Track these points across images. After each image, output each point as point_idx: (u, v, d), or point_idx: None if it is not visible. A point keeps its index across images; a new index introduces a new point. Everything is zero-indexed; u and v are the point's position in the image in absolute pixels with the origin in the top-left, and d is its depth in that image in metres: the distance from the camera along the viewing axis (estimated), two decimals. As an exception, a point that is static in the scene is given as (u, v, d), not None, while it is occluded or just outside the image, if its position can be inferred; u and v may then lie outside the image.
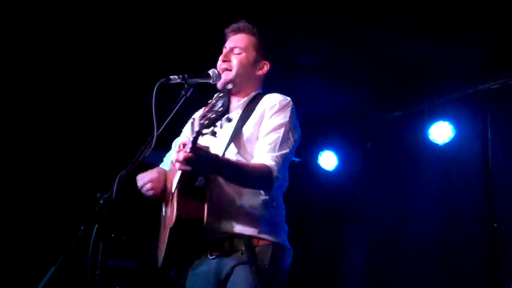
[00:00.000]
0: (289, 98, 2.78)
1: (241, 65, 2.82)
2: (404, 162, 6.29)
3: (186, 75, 2.50)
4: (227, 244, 2.59)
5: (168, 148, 6.52)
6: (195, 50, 5.06)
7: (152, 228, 6.06)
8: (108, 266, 5.22)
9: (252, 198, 2.62)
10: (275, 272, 2.59)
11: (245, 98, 2.83)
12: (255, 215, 2.62)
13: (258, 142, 2.68)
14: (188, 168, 2.30)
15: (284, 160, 2.64)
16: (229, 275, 2.57)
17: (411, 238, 5.96)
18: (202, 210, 2.47)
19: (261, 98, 2.80)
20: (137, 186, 2.77)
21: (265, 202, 2.64)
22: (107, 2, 4.56)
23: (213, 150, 2.50)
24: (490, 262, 5.33)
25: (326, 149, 6.93)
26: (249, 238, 2.58)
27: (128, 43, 5.16)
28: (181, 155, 2.27)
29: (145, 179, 2.75)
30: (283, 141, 2.66)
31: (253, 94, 2.85)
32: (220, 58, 2.85)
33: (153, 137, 2.34)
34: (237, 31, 2.90)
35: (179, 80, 2.48)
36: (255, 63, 2.87)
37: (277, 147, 2.64)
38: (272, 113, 2.72)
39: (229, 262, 2.57)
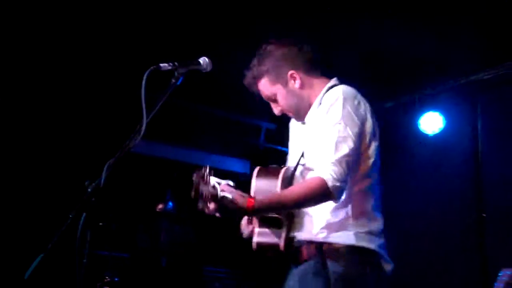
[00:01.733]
0: (339, 92, 2.64)
1: (285, 102, 2.79)
2: (394, 152, 6.30)
3: (176, 63, 2.47)
4: (303, 253, 2.61)
5: (156, 137, 6.51)
6: (185, 39, 5.04)
7: (143, 218, 6.10)
8: (98, 256, 5.26)
9: (324, 206, 2.59)
10: (349, 277, 2.52)
11: (311, 109, 2.76)
12: (324, 221, 2.59)
13: (318, 150, 2.59)
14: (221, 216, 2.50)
15: (345, 162, 2.49)
16: (303, 283, 2.60)
17: (400, 228, 5.98)
18: (279, 235, 2.60)
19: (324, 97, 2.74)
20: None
21: (334, 205, 2.58)
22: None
23: (292, 161, 2.76)
24: (479, 252, 5.38)
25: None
26: (320, 244, 2.58)
27: (117, 30, 5.11)
28: (206, 210, 2.45)
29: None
30: (340, 141, 2.52)
31: (320, 95, 2.74)
32: (276, 113, 2.88)
33: (142, 125, 2.32)
34: (252, 87, 2.85)
35: (169, 68, 2.44)
36: (288, 87, 2.78)
37: (333, 150, 2.50)
38: (325, 113, 2.62)
39: (305, 271, 2.60)
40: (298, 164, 2.70)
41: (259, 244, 2.62)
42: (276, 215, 2.60)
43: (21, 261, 2.59)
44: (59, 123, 5.84)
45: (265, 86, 2.81)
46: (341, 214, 2.58)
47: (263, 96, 2.85)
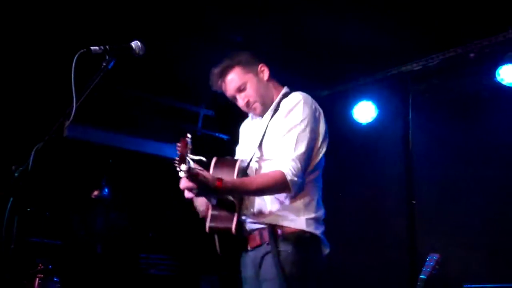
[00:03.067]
0: (301, 96, 2.91)
1: (256, 92, 2.98)
2: (329, 140, 6.40)
3: (107, 47, 2.45)
4: (258, 236, 2.84)
5: (92, 122, 6.37)
6: (122, 23, 4.96)
7: (77, 205, 6.00)
8: (30, 243, 5.15)
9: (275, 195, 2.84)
10: (297, 258, 2.75)
11: (272, 106, 2.99)
12: (278, 207, 2.83)
13: (276, 147, 2.84)
14: (191, 195, 2.66)
15: (302, 160, 2.77)
16: (260, 265, 2.81)
17: (334, 214, 6.10)
18: (231, 220, 2.77)
19: (283, 99, 2.97)
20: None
21: (289, 197, 2.83)
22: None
23: (245, 158, 2.89)
24: (409, 238, 5.54)
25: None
26: (273, 227, 2.78)
27: (49, 11, 4.95)
28: (181, 185, 2.58)
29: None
30: (299, 141, 2.79)
31: (279, 96, 3.00)
32: (241, 105, 3.01)
33: (72, 109, 2.29)
34: (222, 75, 2.98)
35: (100, 51, 2.42)
36: (258, 78, 3.00)
37: (292, 148, 2.77)
38: (284, 115, 2.87)
39: (259, 253, 2.82)
40: (252, 158, 2.90)
41: (211, 228, 2.78)
42: (232, 199, 2.79)
43: None
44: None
45: (237, 76, 2.97)
46: (293, 201, 2.84)
47: (231, 88, 2.98)
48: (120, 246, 6.14)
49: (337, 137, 6.26)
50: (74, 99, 2.30)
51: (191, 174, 2.48)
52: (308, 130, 2.83)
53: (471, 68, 5.36)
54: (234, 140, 3.27)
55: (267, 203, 2.84)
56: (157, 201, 6.41)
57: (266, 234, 2.80)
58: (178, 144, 2.52)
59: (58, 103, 2.58)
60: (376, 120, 5.95)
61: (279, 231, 2.78)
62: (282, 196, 2.81)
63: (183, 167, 2.42)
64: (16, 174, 2.20)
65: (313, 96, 3.01)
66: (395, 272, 5.47)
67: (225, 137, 6.84)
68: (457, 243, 5.11)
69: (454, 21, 4.89)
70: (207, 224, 2.78)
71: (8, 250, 2.16)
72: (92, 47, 2.40)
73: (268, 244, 2.77)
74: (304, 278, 2.74)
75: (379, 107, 5.92)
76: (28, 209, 2.12)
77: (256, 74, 3.00)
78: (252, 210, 2.86)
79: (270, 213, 2.83)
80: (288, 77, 6.04)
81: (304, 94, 2.94)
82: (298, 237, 2.78)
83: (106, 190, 5.93)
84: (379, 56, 5.50)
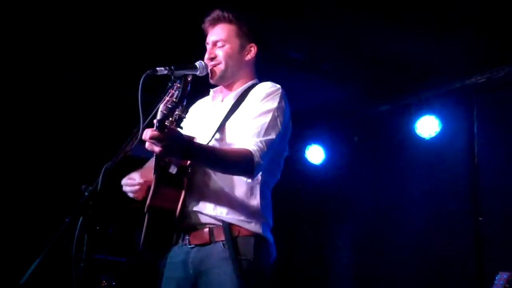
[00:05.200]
0: (279, 86, 2.73)
1: (228, 57, 2.77)
2: (390, 156, 6.31)
3: (172, 67, 2.47)
4: (207, 233, 2.56)
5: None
6: (182, 42, 5.03)
7: (141, 221, 6.08)
8: (95, 260, 5.25)
9: (234, 187, 2.60)
10: (259, 266, 2.53)
11: (239, 88, 2.80)
12: (236, 204, 2.58)
13: (243, 127, 2.61)
14: (157, 148, 2.24)
15: (269, 146, 2.55)
16: (209, 268, 2.52)
17: (397, 233, 5.99)
18: (177, 200, 2.46)
19: (254, 87, 2.78)
20: (123, 178, 2.75)
21: (248, 191, 2.61)
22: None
23: (199, 139, 2.52)
24: (475, 256, 5.37)
25: (314, 143, 6.94)
26: (229, 226, 2.54)
27: (114, 34, 5.11)
28: (148, 133, 2.21)
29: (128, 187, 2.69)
30: (270, 126, 2.59)
31: (248, 84, 2.81)
32: (206, 56, 2.78)
33: (139, 129, 2.32)
34: (214, 22, 2.82)
35: (165, 72, 2.45)
36: (241, 50, 2.81)
37: (262, 132, 2.56)
38: (260, 99, 2.67)
39: (209, 254, 2.53)
40: (212, 138, 2.64)
41: (151, 207, 2.47)
42: (181, 176, 2.50)
43: (17, 266, 2.59)
44: (57, 127, 5.84)
45: (225, 30, 2.79)
46: (252, 202, 2.61)
47: (212, 36, 2.79)
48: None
49: (399, 152, 6.30)
50: (141, 119, 2.33)
51: (167, 126, 2.17)
52: (279, 121, 2.62)
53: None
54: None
55: (219, 195, 2.57)
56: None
57: (219, 233, 2.53)
58: (177, 84, 2.33)
59: (126, 123, 2.61)
60: (440, 135, 5.82)
61: (235, 233, 2.53)
62: (240, 189, 2.57)
63: (178, 111, 2.17)
64: (86, 194, 2.24)
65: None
66: (462, 292, 5.32)
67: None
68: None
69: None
70: (148, 201, 2.46)
71: (78, 269, 2.19)
72: (158, 68, 2.44)
73: (223, 246, 2.50)
74: None
75: (442, 121, 5.79)
76: (97, 228, 2.14)
77: (242, 46, 2.80)
78: (205, 197, 2.57)
79: (227, 209, 2.56)
80: (349, 91, 6.07)
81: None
82: (257, 242, 2.55)
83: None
84: (442, 69, 5.40)
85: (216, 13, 2.82)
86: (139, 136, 2.31)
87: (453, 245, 5.60)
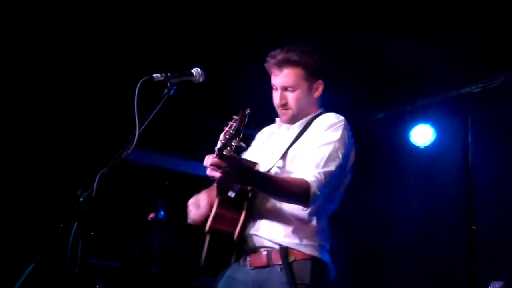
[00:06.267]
0: (342, 117, 2.76)
1: (299, 101, 2.78)
2: (384, 164, 6.32)
3: (169, 74, 2.48)
4: (265, 256, 2.62)
5: (148, 146, 6.49)
6: (179, 49, 5.05)
7: (134, 226, 6.08)
8: (89, 265, 5.24)
9: (292, 212, 2.63)
10: None
11: (305, 118, 2.81)
12: (293, 228, 2.63)
13: (305, 157, 2.65)
14: (217, 174, 2.36)
15: (328, 178, 2.58)
16: None
17: (391, 241, 6.00)
18: (236, 224, 2.57)
19: (318, 117, 2.80)
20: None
21: (305, 217, 2.65)
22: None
23: (263, 165, 2.63)
24: (469, 265, 5.39)
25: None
26: (286, 250, 2.59)
27: (111, 40, 5.13)
28: (209, 160, 2.35)
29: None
30: (330, 158, 2.61)
31: (312, 115, 2.82)
32: (276, 101, 2.79)
33: (135, 135, 2.33)
34: (280, 66, 2.77)
35: (162, 79, 2.45)
36: (309, 91, 2.81)
37: (322, 163, 2.59)
38: (323, 130, 2.70)
39: (268, 278, 2.58)
40: (273, 166, 2.70)
41: (211, 229, 2.59)
42: (242, 200, 2.59)
43: (11, 271, 2.59)
44: (52, 133, 5.83)
45: (294, 77, 2.76)
46: (309, 227, 2.66)
47: (279, 81, 2.78)
48: (175, 268, 6.18)
49: (394, 160, 6.31)
50: (137, 125, 2.34)
51: (221, 152, 2.29)
52: (340, 153, 2.65)
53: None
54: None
55: (282, 219, 2.63)
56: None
57: (277, 257, 2.58)
58: (235, 117, 2.37)
59: (122, 129, 2.62)
60: (434, 143, 5.84)
61: (292, 257, 2.58)
62: (297, 214, 2.62)
63: (235, 142, 2.28)
64: (81, 199, 2.24)
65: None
66: (456, 301, 5.33)
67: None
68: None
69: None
70: (209, 223, 2.58)
71: (72, 274, 2.19)
72: (154, 75, 2.44)
73: (280, 269, 2.55)
74: None
75: (437, 130, 5.81)
76: (92, 233, 2.15)
77: (310, 87, 2.80)
78: (263, 221, 2.64)
79: (284, 232, 2.62)
80: (344, 98, 6.08)
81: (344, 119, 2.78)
82: (313, 266, 2.60)
83: (162, 212, 6.00)
84: (437, 78, 5.42)
85: (282, 55, 2.78)
86: (135, 142, 2.33)
87: (446, 253, 5.61)
